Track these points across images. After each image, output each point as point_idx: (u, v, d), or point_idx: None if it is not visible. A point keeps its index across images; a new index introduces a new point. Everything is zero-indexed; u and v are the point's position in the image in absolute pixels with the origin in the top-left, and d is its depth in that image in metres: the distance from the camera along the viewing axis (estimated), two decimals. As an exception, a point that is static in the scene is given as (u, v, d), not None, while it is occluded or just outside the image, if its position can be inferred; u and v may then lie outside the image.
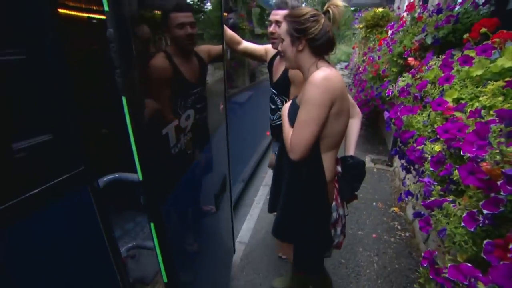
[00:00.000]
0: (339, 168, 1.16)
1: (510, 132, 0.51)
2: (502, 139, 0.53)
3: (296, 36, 0.98)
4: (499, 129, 0.54)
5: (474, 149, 0.58)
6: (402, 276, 1.84)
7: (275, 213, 1.36)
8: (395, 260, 1.97)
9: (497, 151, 0.52)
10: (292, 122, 1.04)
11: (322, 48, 1.00)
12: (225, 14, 2.35)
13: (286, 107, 1.13)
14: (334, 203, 1.17)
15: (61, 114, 0.59)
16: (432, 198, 0.85)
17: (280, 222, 1.25)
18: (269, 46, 1.70)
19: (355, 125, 1.28)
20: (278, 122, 1.63)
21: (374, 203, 2.67)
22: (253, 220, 2.45)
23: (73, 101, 0.60)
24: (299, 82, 1.37)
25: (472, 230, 0.64)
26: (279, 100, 1.61)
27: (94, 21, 1.91)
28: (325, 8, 1.00)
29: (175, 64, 0.97)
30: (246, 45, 1.69)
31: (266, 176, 3.23)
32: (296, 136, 0.98)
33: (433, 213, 0.75)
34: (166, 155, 0.89)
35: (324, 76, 0.91)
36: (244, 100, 2.82)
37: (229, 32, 1.61)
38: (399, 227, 2.30)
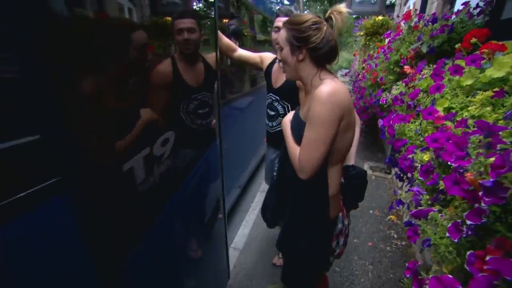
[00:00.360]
0: (341, 179, 1.12)
1: (489, 143, 0.51)
2: (481, 150, 0.53)
3: (296, 45, 0.92)
4: (478, 140, 0.54)
5: (452, 159, 0.57)
6: (397, 286, 1.82)
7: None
8: (390, 269, 1.95)
9: (478, 162, 0.52)
10: (296, 138, 0.99)
11: (324, 57, 0.94)
12: (226, 20, 2.38)
13: (287, 120, 1.08)
14: (340, 213, 1.14)
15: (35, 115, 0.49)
16: (421, 208, 0.84)
17: (285, 234, 1.23)
18: (264, 53, 1.71)
19: (355, 134, 1.26)
20: (278, 129, 1.62)
21: (371, 211, 2.65)
22: (248, 226, 2.43)
23: (54, 102, 0.51)
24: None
25: (456, 240, 0.63)
26: (280, 106, 1.60)
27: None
28: (327, 14, 0.95)
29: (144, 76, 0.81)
30: (241, 52, 1.70)
31: (264, 182, 3.22)
32: (306, 156, 0.92)
33: (418, 222, 0.74)
34: (127, 197, 0.72)
35: (331, 92, 0.85)
36: (243, 105, 2.83)
37: (224, 39, 1.62)
38: (395, 235, 2.28)
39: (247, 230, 2.38)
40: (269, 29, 4.12)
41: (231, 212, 2.56)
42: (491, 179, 0.46)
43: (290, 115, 1.10)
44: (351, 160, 1.20)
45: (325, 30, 0.91)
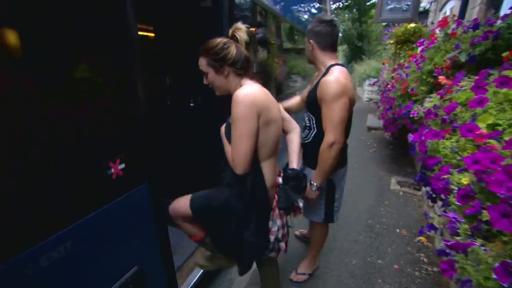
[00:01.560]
0: (279, 179, 1.23)
1: (552, 173, 0.42)
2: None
3: (218, 65, 1.07)
4: (537, 169, 0.45)
5: (503, 191, 0.48)
6: (426, 317, 1.65)
7: None
8: (419, 298, 1.77)
9: (536, 194, 0.43)
10: (229, 140, 1.12)
11: (242, 67, 1.10)
12: (253, 29, 2.37)
13: (223, 127, 1.19)
14: (271, 212, 1.23)
15: None
16: (458, 238, 0.74)
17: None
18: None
19: (294, 140, 1.32)
20: (306, 141, 1.57)
21: (397, 230, 2.46)
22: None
23: None
24: (326, 99, 1.33)
25: (506, 285, 0.53)
26: (307, 117, 1.56)
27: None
28: (230, 33, 1.12)
29: None
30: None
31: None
32: (235, 152, 1.06)
33: (455, 258, 0.64)
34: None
35: (244, 93, 1.01)
36: None
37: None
38: (425, 259, 2.08)
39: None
40: (296, 37, 4.08)
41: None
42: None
43: (225, 123, 1.20)
44: (294, 164, 1.28)
45: (235, 46, 1.08)
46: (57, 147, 0.75)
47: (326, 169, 1.41)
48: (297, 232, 2.33)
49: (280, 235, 1.27)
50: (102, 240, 0.92)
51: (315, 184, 1.47)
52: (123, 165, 0.93)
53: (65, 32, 0.76)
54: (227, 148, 1.13)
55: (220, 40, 1.07)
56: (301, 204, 1.28)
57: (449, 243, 0.66)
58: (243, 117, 1.01)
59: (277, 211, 1.23)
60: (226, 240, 1.27)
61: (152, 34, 1.99)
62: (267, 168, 1.16)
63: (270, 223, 1.24)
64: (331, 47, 1.43)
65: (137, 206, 1.04)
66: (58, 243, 0.77)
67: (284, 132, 1.34)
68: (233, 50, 1.07)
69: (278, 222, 1.25)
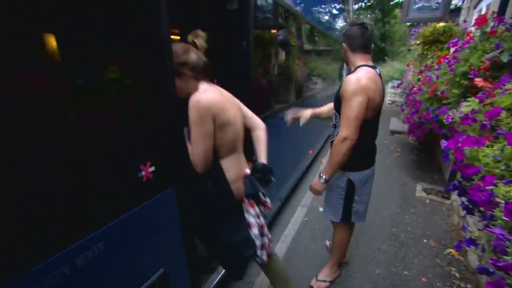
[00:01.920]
0: (247, 170, 1.26)
1: None
2: None
3: (179, 70, 1.09)
4: None
5: None
6: (458, 336, 1.54)
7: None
8: (450, 314, 1.66)
9: None
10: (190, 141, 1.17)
11: (202, 71, 1.14)
12: (274, 31, 2.35)
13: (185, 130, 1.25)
14: (242, 203, 1.27)
15: None
16: (508, 258, 0.67)
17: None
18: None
19: (259, 137, 1.36)
20: (331, 139, 1.61)
21: (424, 240, 2.33)
22: (286, 242, 2.32)
23: None
24: (345, 96, 1.36)
25: None
26: (334, 116, 1.60)
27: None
28: (190, 40, 1.16)
29: None
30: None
31: (306, 196, 3.08)
32: (194, 153, 1.12)
33: (508, 281, 0.58)
34: None
35: (198, 99, 1.05)
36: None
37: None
38: (457, 274, 1.95)
39: (284, 246, 2.26)
40: (316, 38, 4.02)
41: (268, 226, 2.47)
42: None
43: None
44: (262, 159, 1.34)
45: (195, 51, 1.12)
46: (95, 150, 0.77)
47: (335, 163, 1.44)
48: (327, 242, 2.28)
49: (255, 228, 1.29)
50: (134, 241, 0.93)
51: (323, 176, 1.49)
52: (153, 168, 0.94)
53: (106, 36, 0.78)
54: (189, 149, 1.17)
55: (180, 46, 1.11)
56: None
57: (500, 264, 0.60)
58: (197, 121, 1.06)
59: (246, 201, 1.28)
60: (210, 245, 1.32)
61: (178, 37, 2.02)
62: (229, 163, 1.21)
63: (246, 215, 1.27)
64: (362, 49, 1.44)
65: (165, 209, 1.06)
66: (94, 243, 0.79)
67: (249, 129, 1.37)
68: (193, 55, 1.11)
69: (252, 211, 1.29)
